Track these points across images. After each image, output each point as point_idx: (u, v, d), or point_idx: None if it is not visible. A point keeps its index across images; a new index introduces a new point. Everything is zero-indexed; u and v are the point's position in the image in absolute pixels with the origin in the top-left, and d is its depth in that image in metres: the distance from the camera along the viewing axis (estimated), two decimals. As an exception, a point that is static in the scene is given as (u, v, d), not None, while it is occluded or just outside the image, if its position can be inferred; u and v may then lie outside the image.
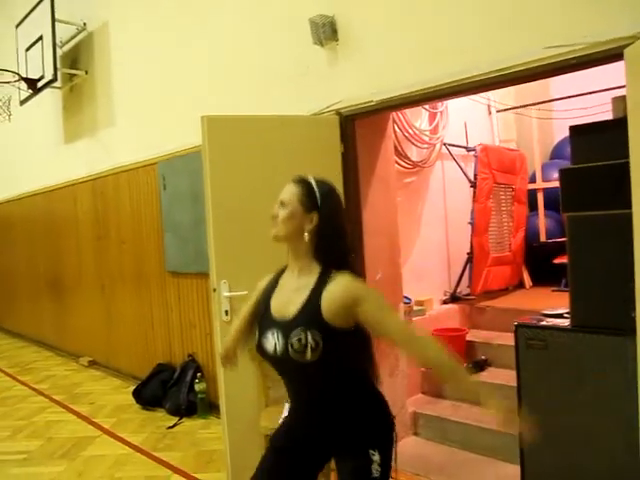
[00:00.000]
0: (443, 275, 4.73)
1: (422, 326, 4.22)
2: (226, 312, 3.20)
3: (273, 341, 1.72)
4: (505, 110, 5.33)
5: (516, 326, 2.86)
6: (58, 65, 5.79)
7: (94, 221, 6.11)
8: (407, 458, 3.51)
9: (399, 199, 4.11)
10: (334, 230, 1.76)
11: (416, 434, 3.82)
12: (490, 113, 5.29)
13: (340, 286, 1.66)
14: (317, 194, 1.76)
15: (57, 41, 5.94)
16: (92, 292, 6.30)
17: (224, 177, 3.19)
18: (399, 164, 4.10)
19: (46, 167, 7.01)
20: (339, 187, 3.15)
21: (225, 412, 3.18)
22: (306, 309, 1.68)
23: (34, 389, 5.60)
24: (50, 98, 6.51)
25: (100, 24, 5.59)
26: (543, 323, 2.82)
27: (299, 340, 1.64)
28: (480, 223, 4.61)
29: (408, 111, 4.11)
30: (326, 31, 3.31)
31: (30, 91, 6.14)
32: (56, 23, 5.71)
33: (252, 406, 3.10)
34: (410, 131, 4.07)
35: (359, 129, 3.47)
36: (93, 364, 6.33)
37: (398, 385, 3.73)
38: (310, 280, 1.72)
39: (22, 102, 6.48)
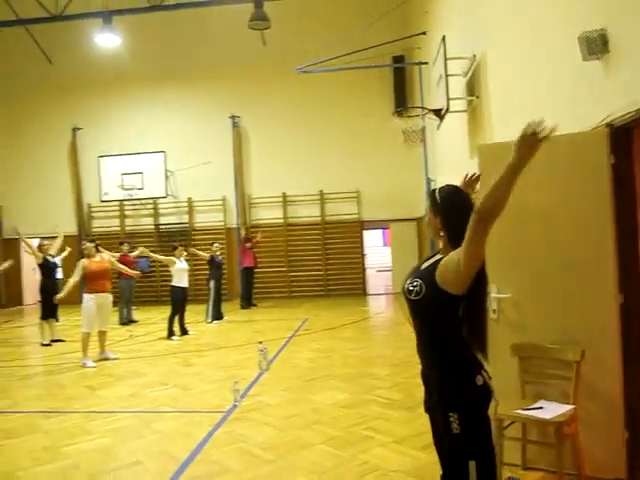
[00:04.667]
0: None
1: None
2: (494, 311, 3.71)
3: (407, 283, 2.37)
4: None
5: None
6: (453, 95, 6.94)
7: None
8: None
9: None
10: (456, 224, 2.22)
11: None
12: None
13: (448, 255, 2.22)
14: (438, 200, 2.34)
15: (461, 72, 7.12)
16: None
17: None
18: None
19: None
20: (605, 198, 3.26)
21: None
22: (427, 268, 2.32)
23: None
24: (459, 122, 7.72)
25: (481, 54, 6.44)
26: None
27: (413, 284, 2.30)
28: None
29: None
30: (597, 45, 3.36)
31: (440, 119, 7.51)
32: (456, 60, 6.89)
33: (510, 397, 3.51)
34: None
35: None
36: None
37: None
38: None
39: (438, 127, 7.91)
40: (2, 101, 16.56)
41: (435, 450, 2.42)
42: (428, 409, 2.41)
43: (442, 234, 2.31)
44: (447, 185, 2.42)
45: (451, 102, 7.05)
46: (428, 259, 2.43)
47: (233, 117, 15.81)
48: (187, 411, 5.33)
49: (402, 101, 14.13)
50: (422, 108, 7.56)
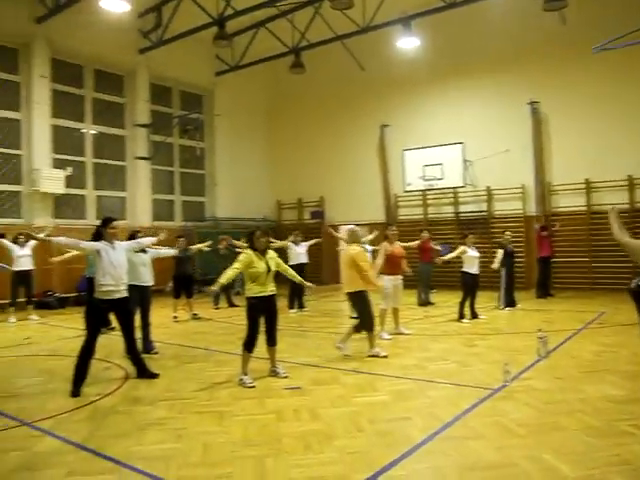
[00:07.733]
0: None
1: None
2: None
3: None
4: None
5: None
6: None
7: None
8: None
9: None
10: None
11: None
12: None
13: None
14: None
15: None
16: None
17: None
18: None
19: None
20: None
21: None
22: None
23: None
24: None
25: None
26: None
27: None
28: None
29: None
30: None
31: None
32: None
33: None
34: None
35: None
36: None
37: None
38: None
39: None
40: (324, 108, 19.36)
41: None
42: None
43: None
44: None
45: None
46: None
47: (532, 103, 15.51)
48: (459, 384, 5.94)
49: None
50: None
